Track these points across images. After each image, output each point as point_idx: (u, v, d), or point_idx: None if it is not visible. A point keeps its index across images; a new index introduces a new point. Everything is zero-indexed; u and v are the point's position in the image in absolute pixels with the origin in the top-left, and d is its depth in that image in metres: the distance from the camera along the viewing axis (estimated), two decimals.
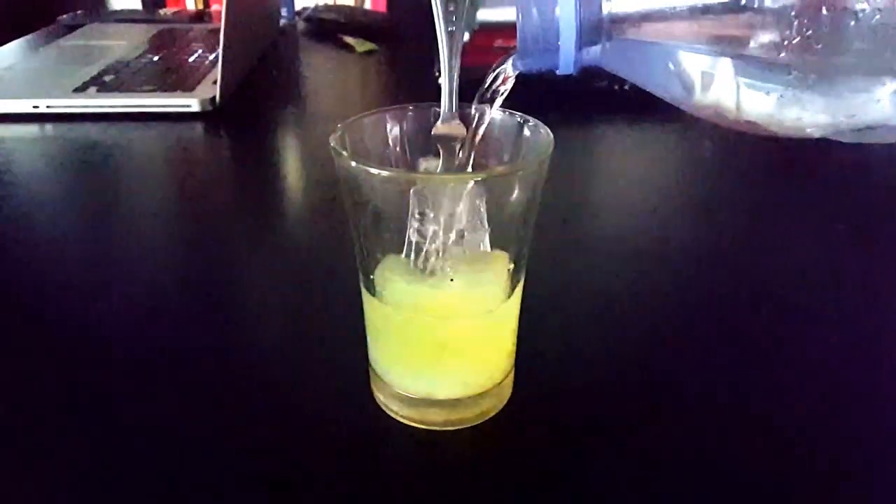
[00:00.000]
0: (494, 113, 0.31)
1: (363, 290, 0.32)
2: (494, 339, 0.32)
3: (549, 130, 0.29)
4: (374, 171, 0.27)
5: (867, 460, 0.31)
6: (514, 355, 0.34)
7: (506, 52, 0.28)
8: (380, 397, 0.33)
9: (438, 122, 0.30)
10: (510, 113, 0.31)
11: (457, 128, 0.30)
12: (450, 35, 0.28)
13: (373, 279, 0.30)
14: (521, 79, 0.28)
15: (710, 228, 0.52)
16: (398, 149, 0.32)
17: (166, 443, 0.31)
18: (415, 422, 0.32)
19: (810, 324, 0.40)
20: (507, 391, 0.34)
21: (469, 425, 0.32)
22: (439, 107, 0.31)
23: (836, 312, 0.41)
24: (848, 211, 0.54)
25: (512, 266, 0.30)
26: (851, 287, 0.44)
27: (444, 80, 0.29)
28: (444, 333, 0.31)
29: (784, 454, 0.31)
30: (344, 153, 0.28)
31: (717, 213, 0.55)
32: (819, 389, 0.35)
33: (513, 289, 0.31)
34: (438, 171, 0.32)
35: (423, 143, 0.32)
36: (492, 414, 0.33)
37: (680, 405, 0.34)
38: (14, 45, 1.00)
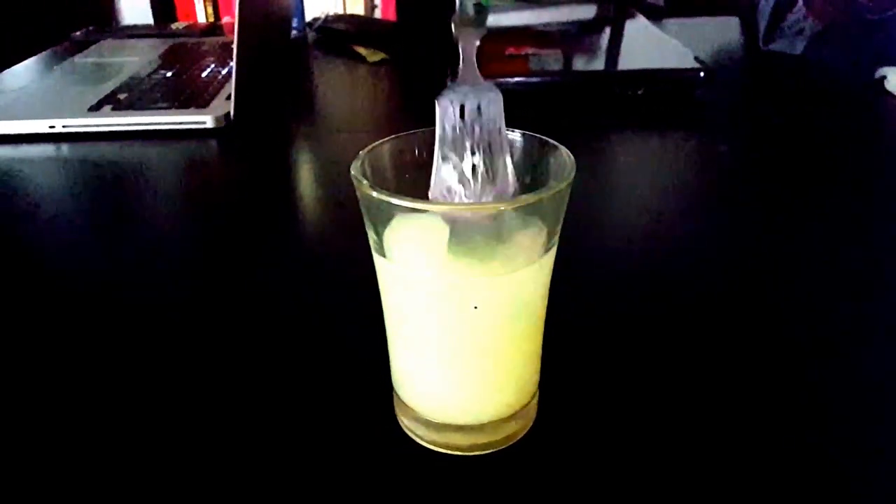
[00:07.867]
0: (514, 136, 0.31)
1: (382, 293, 0.30)
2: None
3: (569, 153, 0.29)
4: (395, 200, 0.27)
5: None
6: (538, 368, 0.33)
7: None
8: (404, 421, 0.33)
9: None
10: (530, 135, 0.31)
11: None
12: None
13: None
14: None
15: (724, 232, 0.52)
16: (419, 173, 0.32)
17: (179, 481, 0.31)
18: (440, 446, 0.32)
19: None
20: (533, 413, 0.34)
21: (496, 449, 0.32)
22: None
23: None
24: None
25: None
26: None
27: None
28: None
29: None
30: (365, 181, 0.28)
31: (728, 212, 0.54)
32: None
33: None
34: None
35: None
36: (518, 437, 0.33)
37: (710, 425, 0.34)
38: (28, 64, 1.01)
